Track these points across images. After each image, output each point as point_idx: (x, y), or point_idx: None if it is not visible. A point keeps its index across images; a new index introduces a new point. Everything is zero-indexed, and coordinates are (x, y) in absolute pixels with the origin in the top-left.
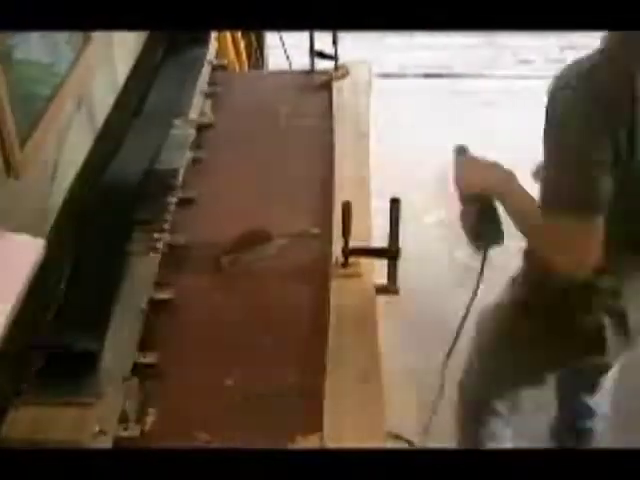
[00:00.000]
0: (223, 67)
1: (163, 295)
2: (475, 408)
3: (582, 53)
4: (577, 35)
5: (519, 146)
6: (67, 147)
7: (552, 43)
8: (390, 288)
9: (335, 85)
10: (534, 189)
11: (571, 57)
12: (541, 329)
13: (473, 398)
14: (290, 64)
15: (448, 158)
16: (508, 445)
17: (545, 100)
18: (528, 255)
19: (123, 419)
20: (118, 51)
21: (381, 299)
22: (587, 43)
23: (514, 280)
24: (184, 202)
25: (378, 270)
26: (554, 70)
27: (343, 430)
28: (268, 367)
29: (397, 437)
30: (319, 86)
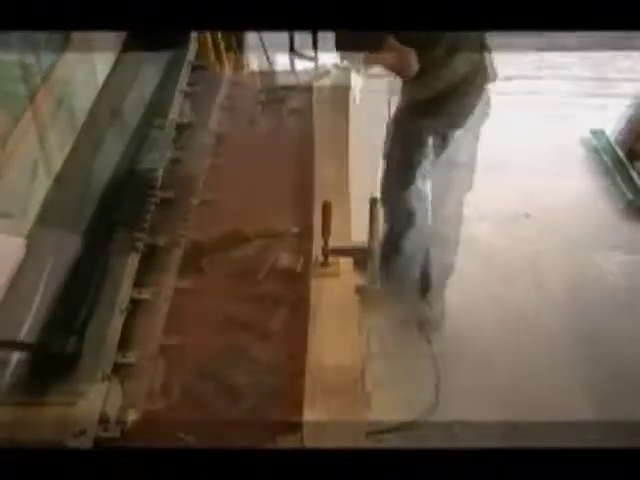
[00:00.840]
0: (203, 67)
1: (142, 295)
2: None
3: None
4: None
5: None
6: (48, 146)
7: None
8: (369, 287)
9: (315, 85)
10: None
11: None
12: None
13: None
14: (270, 64)
15: None
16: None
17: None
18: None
19: (103, 419)
20: (98, 51)
21: None
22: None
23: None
24: (164, 202)
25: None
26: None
27: (324, 428)
28: (249, 366)
29: None
30: (299, 86)
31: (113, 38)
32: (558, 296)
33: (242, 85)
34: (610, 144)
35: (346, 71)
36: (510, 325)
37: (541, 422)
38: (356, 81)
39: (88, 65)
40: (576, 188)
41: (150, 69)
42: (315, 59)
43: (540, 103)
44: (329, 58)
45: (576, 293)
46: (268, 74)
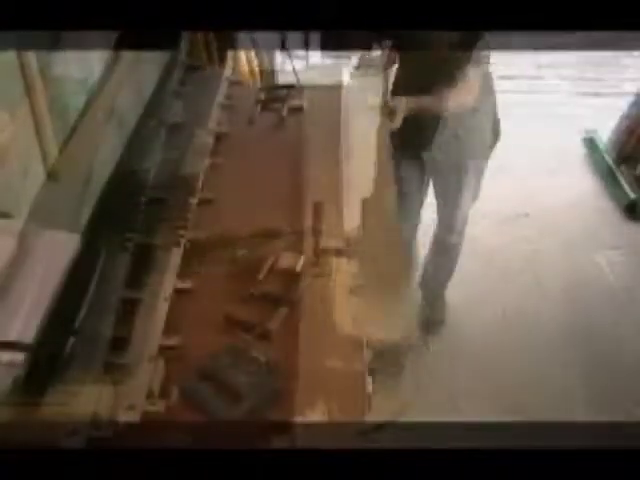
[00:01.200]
0: (196, 67)
1: (135, 295)
2: None
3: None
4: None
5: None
6: (43, 143)
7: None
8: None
9: (308, 85)
10: None
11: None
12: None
13: None
14: (263, 64)
15: None
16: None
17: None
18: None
19: (96, 419)
20: (93, 49)
21: None
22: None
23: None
24: (156, 202)
25: None
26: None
27: (317, 428)
28: (241, 367)
29: None
30: (292, 86)
31: (108, 37)
32: (557, 295)
33: (236, 84)
34: (606, 144)
35: (338, 70)
36: (509, 323)
37: (540, 422)
38: (351, 80)
39: (84, 62)
40: (576, 188)
41: (145, 68)
42: (306, 58)
43: (540, 103)
44: (319, 57)
45: (575, 292)
46: (261, 73)
